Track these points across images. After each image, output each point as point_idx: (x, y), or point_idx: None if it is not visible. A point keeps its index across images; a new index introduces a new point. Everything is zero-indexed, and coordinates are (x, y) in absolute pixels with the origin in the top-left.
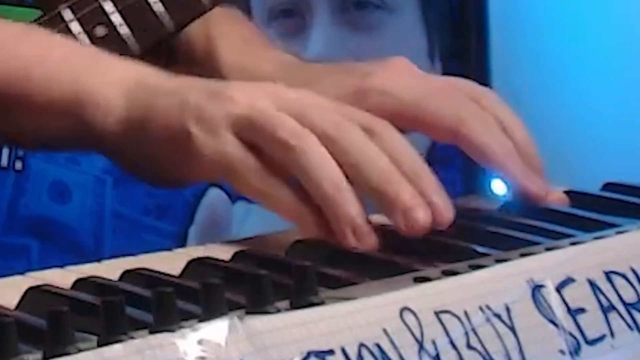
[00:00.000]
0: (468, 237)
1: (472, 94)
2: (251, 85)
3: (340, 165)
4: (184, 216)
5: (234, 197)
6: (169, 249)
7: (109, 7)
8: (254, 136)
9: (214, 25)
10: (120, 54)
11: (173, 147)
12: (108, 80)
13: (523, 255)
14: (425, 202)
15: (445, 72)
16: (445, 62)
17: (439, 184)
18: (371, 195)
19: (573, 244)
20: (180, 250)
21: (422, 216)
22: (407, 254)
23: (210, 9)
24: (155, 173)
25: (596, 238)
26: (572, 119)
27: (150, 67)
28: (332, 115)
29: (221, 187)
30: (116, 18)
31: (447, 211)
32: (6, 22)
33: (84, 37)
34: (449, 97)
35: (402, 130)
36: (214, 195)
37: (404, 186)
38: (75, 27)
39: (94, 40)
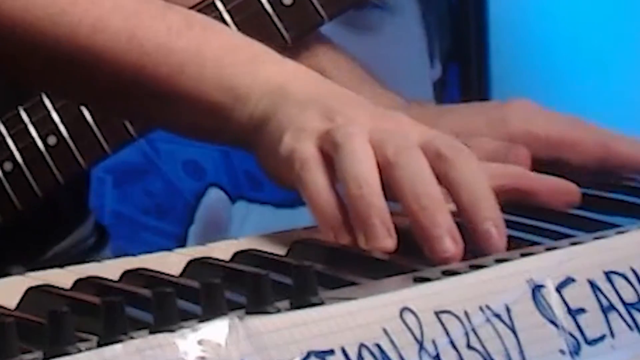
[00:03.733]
0: (468, 237)
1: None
2: (366, 112)
3: (391, 186)
4: (184, 216)
5: (234, 197)
6: (169, 249)
7: (228, 18)
8: (321, 142)
9: (326, 58)
10: (308, 22)
11: (271, 152)
12: (256, 84)
13: (523, 255)
14: (456, 231)
15: (445, 73)
16: (445, 63)
17: (497, 211)
18: (409, 220)
19: (573, 244)
20: (180, 250)
21: (448, 246)
22: (407, 254)
23: (328, 21)
24: (266, 171)
25: (596, 238)
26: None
27: (300, 68)
28: (401, 141)
29: (221, 187)
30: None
31: (498, 239)
32: (169, 8)
33: (268, 6)
34: (585, 125)
35: (542, 158)
36: (214, 195)
37: (440, 212)
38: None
39: (279, 8)
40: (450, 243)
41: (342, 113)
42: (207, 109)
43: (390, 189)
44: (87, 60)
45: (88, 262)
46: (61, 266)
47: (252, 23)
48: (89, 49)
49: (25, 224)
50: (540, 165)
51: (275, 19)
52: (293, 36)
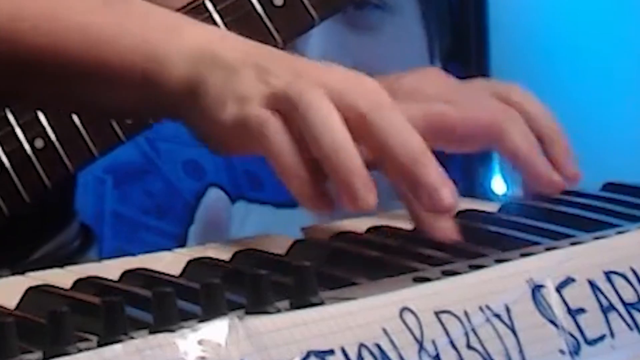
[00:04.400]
0: (468, 237)
1: (496, 91)
2: (302, 66)
3: (370, 145)
4: (184, 216)
5: (234, 197)
6: (169, 249)
7: (218, 18)
8: (274, 104)
9: None
10: (300, 22)
11: (214, 121)
12: (179, 47)
13: (523, 255)
14: (450, 182)
15: (445, 73)
16: (445, 62)
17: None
18: (398, 174)
19: (573, 244)
20: (180, 250)
21: (447, 195)
22: (407, 254)
23: (319, 22)
24: (206, 141)
25: (596, 238)
26: (572, 119)
27: (224, 32)
28: (371, 95)
29: (221, 187)
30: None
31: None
32: None
33: (259, 8)
34: (476, 100)
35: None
36: (214, 195)
37: (431, 165)
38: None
39: (270, 9)
40: (448, 192)
41: (275, 73)
42: (135, 79)
43: (366, 142)
44: (10, 48)
45: (73, 264)
46: (51, 267)
47: (242, 24)
48: (12, 34)
49: (11, 227)
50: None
51: (266, 20)
52: (284, 37)
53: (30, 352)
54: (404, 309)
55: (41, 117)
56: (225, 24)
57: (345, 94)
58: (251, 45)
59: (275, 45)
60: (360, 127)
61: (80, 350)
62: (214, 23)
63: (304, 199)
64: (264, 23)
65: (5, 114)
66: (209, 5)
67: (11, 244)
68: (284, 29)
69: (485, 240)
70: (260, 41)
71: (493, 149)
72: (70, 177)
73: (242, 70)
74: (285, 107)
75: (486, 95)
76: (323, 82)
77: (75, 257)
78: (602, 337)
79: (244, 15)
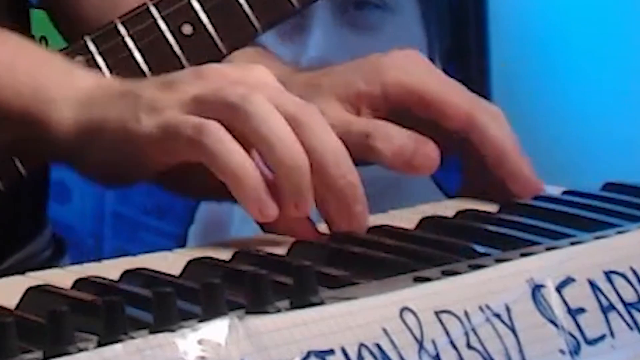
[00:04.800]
0: (468, 237)
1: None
2: (202, 70)
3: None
4: (184, 216)
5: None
6: (169, 249)
7: (197, 5)
8: (202, 109)
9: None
10: (208, 54)
11: (130, 143)
12: (65, 91)
13: (523, 255)
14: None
15: (445, 73)
16: (445, 62)
17: (361, 190)
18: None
19: (573, 244)
20: (180, 250)
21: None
22: (407, 254)
23: (300, 9)
24: (114, 173)
25: (596, 238)
26: (572, 119)
27: (108, 77)
28: (275, 93)
29: None
30: (204, 16)
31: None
32: None
33: (169, 35)
34: (462, 88)
35: (411, 113)
36: None
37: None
38: (162, 23)
39: (181, 38)
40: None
41: (182, 80)
42: (26, 120)
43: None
44: None
45: None
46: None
47: (221, 12)
48: None
49: None
50: (405, 120)
51: (246, 7)
52: (264, 24)
53: (30, 352)
54: (404, 308)
55: None
56: (206, 12)
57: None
58: (138, 80)
59: (254, 33)
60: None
61: (80, 350)
62: (127, 48)
63: (256, 201)
64: (243, 10)
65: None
66: (122, 30)
67: None
68: (264, 16)
69: (485, 240)
70: (240, 29)
71: (463, 144)
72: (44, 183)
73: (144, 90)
74: (214, 109)
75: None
76: (228, 80)
77: (45, 267)
78: (602, 337)
79: (222, 3)
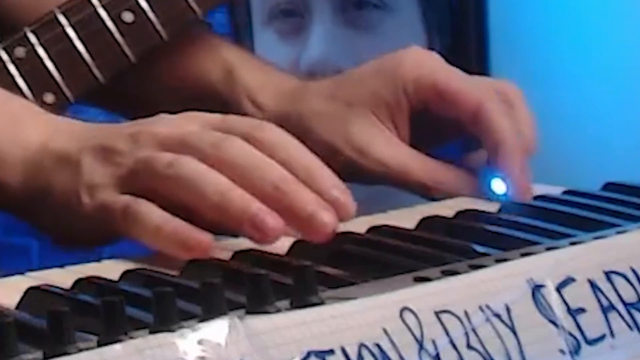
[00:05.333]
0: (468, 237)
1: (495, 86)
2: (136, 130)
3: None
4: None
5: None
6: None
7: (71, 32)
8: (138, 185)
9: (229, 59)
10: (150, 40)
11: (73, 216)
12: (14, 150)
13: (523, 255)
14: (324, 202)
15: None
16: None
17: (335, 177)
18: (268, 203)
19: (573, 244)
20: None
21: (327, 219)
22: (407, 254)
23: (167, 39)
24: (66, 237)
25: (596, 238)
26: (572, 118)
27: (61, 122)
28: (209, 136)
29: None
30: (144, 3)
31: (349, 204)
32: None
33: (110, 24)
34: (474, 81)
35: (428, 106)
36: None
37: (301, 191)
38: (102, 12)
39: (122, 26)
40: (327, 215)
41: (114, 149)
42: None
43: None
44: None
45: None
46: None
47: (94, 39)
48: None
49: None
50: (427, 109)
51: (117, 36)
52: (204, 9)
53: (30, 352)
54: (404, 308)
55: None
56: (80, 39)
57: (184, 144)
58: (87, 129)
59: (195, 19)
60: (218, 166)
61: (80, 350)
62: (68, 38)
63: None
64: (115, 39)
65: None
66: (62, 20)
67: None
68: (135, 45)
69: (485, 240)
70: (113, 57)
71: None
72: None
73: (82, 159)
74: (144, 181)
75: (484, 83)
76: (160, 141)
77: None
78: (602, 337)
79: (95, 30)
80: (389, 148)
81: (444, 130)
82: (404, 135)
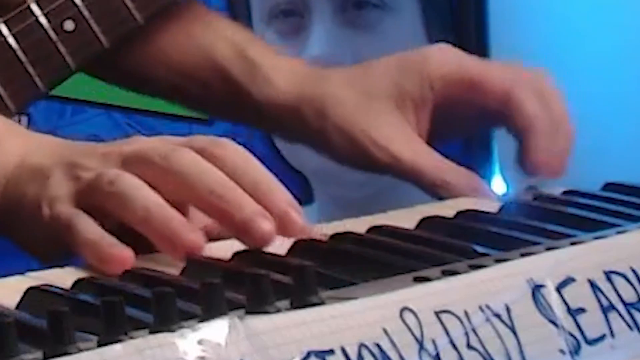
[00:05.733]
0: (468, 237)
1: (525, 73)
2: (108, 150)
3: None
4: None
5: None
6: None
7: (78, 0)
8: (90, 201)
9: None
10: (91, 48)
11: (35, 225)
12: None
13: (523, 255)
14: (265, 212)
15: None
16: None
17: (286, 192)
18: (204, 207)
19: (573, 244)
20: None
21: (265, 226)
22: (407, 254)
23: (108, 46)
24: (42, 249)
25: (596, 238)
26: (572, 119)
27: (41, 139)
28: (163, 147)
29: None
30: (85, 11)
31: (298, 221)
32: None
33: (52, 33)
34: (503, 67)
35: (454, 100)
36: None
37: (239, 196)
38: (44, 21)
39: (62, 34)
40: (265, 223)
41: (83, 165)
42: None
43: (175, 196)
44: None
45: None
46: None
47: (36, 49)
48: None
49: None
50: (453, 104)
51: (59, 45)
52: (145, 16)
53: (30, 352)
54: (404, 308)
55: None
56: (22, 49)
57: (136, 158)
58: (64, 146)
59: (69, 69)
60: (163, 179)
61: (80, 350)
62: (10, 48)
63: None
64: (57, 48)
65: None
66: (4, 30)
67: None
68: (76, 53)
69: (485, 240)
70: (54, 65)
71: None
72: None
73: (53, 173)
74: (94, 197)
75: (513, 68)
76: (124, 158)
77: None
78: (602, 337)
79: (36, 40)
80: (405, 143)
81: (461, 124)
82: (423, 130)
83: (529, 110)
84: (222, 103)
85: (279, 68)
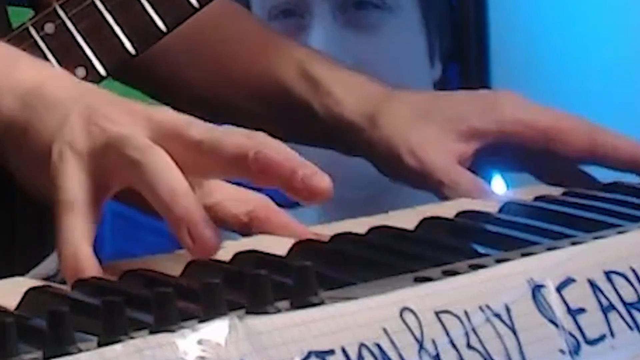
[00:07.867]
0: (468, 237)
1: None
2: (125, 109)
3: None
4: None
5: None
6: (169, 249)
7: (100, 5)
8: (104, 161)
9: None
10: (116, 54)
11: (43, 165)
12: (11, 83)
13: (523, 255)
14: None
15: (445, 73)
16: (445, 63)
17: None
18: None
19: (573, 244)
20: (180, 250)
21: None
22: (407, 254)
23: (200, 8)
24: (30, 183)
25: (596, 238)
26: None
27: (58, 71)
28: (199, 126)
29: None
30: (109, 17)
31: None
32: None
33: (77, 35)
34: (574, 116)
35: (531, 146)
36: None
37: (295, 159)
38: (69, 24)
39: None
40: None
41: (106, 115)
42: None
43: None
44: None
45: None
46: None
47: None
48: None
49: None
50: (528, 153)
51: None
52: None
53: (30, 352)
54: (404, 308)
55: None
56: (109, 10)
57: (172, 133)
58: (84, 86)
59: (160, 32)
60: (197, 159)
61: (80, 350)
62: (98, 10)
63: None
64: (145, 10)
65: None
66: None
67: None
68: (166, 15)
69: (485, 240)
70: (143, 28)
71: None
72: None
73: (70, 115)
74: (112, 157)
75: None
76: (154, 125)
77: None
78: (602, 337)
79: (124, 3)
80: (437, 152)
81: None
82: (467, 156)
83: (619, 146)
84: (286, 121)
85: (343, 83)
